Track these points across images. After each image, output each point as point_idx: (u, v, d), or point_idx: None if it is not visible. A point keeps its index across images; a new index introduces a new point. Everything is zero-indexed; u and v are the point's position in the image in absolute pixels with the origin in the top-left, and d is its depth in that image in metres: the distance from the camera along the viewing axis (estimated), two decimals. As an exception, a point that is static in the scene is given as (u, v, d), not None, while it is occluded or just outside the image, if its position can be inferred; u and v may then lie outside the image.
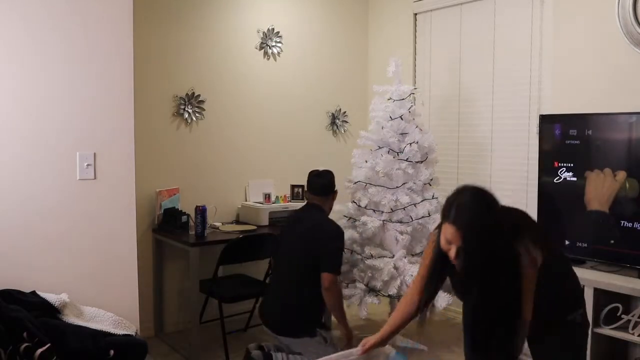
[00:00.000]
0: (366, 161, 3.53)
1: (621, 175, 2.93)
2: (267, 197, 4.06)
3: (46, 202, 2.20)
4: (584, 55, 3.33)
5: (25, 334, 1.78)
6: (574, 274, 1.93)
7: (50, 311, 2.04)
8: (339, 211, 3.58)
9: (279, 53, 4.28)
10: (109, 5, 2.29)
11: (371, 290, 3.34)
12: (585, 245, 3.10)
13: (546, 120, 3.29)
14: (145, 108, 3.58)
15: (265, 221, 3.87)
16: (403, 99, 3.53)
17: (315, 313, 2.85)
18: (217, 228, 3.75)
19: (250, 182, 4.19)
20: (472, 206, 1.70)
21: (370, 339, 1.97)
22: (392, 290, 3.28)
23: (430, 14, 4.34)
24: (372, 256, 3.35)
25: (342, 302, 2.86)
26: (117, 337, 2.08)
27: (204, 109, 3.91)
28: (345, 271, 3.47)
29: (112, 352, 1.98)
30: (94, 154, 2.29)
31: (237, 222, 4.04)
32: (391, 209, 3.39)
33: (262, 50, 4.20)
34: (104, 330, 2.08)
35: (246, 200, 4.16)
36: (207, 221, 3.53)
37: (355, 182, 3.53)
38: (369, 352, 1.96)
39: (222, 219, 3.99)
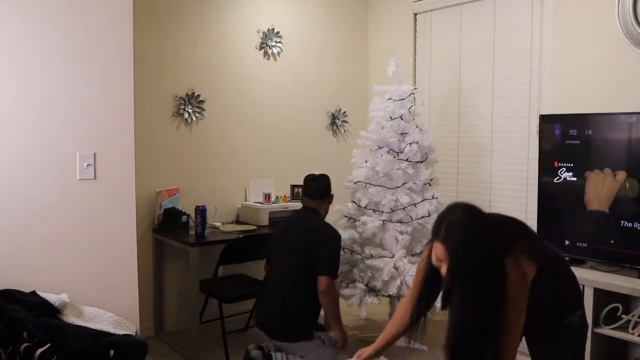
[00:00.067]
0: (366, 161, 3.54)
1: (621, 175, 2.93)
2: (267, 197, 4.06)
3: (46, 202, 2.20)
4: (584, 55, 3.33)
5: (25, 334, 1.78)
6: (573, 275, 1.93)
7: (50, 311, 2.04)
8: (339, 211, 3.58)
9: (279, 53, 4.28)
10: (109, 5, 2.29)
11: (371, 290, 3.34)
12: (585, 245, 3.10)
13: (546, 120, 3.30)
14: (145, 108, 3.58)
15: (265, 221, 3.87)
16: (403, 99, 3.53)
17: (311, 317, 2.84)
18: (217, 228, 3.75)
19: (250, 182, 4.19)
20: (462, 224, 1.68)
21: (366, 350, 1.98)
22: (392, 290, 3.28)
23: (430, 14, 4.34)
24: (372, 256, 3.35)
25: (338, 305, 2.84)
26: (117, 337, 2.08)
27: (204, 109, 3.91)
28: (345, 271, 3.47)
29: (112, 352, 1.98)
30: (94, 154, 2.29)
31: (237, 222, 4.04)
32: (391, 209, 3.39)
33: (262, 50, 4.20)
34: (104, 330, 2.08)
35: (246, 200, 4.16)
36: (207, 221, 3.53)
37: (355, 182, 3.53)
38: None
39: (222, 219, 3.99)
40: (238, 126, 4.12)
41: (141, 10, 3.50)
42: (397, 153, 3.47)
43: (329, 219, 3.11)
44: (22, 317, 1.83)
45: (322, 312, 2.89)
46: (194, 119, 3.87)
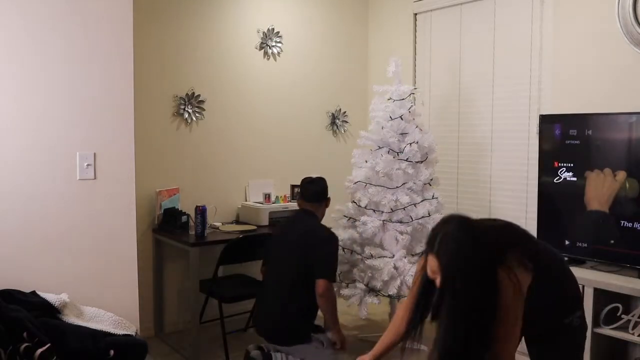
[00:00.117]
0: (366, 161, 3.54)
1: (621, 175, 2.93)
2: (267, 197, 4.06)
3: (46, 202, 2.20)
4: (584, 55, 3.33)
5: (25, 334, 1.78)
6: (572, 276, 1.93)
7: (50, 311, 2.04)
8: (339, 211, 3.58)
9: (279, 53, 4.28)
10: (109, 5, 2.29)
11: (371, 290, 3.34)
12: (585, 245, 3.10)
13: (546, 120, 3.30)
14: (145, 108, 3.58)
15: (265, 221, 3.87)
16: (403, 99, 3.53)
17: (309, 320, 2.84)
18: (217, 228, 3.75)
19: (250, 182, 4.19)
20: (455, 238, 1.67)
21: (365, 358, 1.99)
22: (392, 290, 3.28)
23: (430, 14, 4.34)
24: (372, 256, 3.35)
25: (336, 308, 2.83)
26: (117, 337, 2.08)
27: (204, 109, 3.91)
28: (345, 271, 3.47)
29: (112, 352, 1.98)
30: (94, 154, 2.29)
31: (237, 222, 4.04)
32: (391, 209, 3.39)
33: (262, 50, 4.20)
34: (104, 330, 2.08)
35: (246, 200, 4.16)
36: (207, 221, 3.53)
37: (355, 182, 3.53)
38: None
39: (222, 219, 3.99)
40: (238, 126, 4.12)
41: (141, 10, 3.50)
42: (397, 153, 3.47)
43: (328, 221, 3.11)
44: (22, 317, 1.83)
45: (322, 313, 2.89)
46: (194, 119, 3.87)
